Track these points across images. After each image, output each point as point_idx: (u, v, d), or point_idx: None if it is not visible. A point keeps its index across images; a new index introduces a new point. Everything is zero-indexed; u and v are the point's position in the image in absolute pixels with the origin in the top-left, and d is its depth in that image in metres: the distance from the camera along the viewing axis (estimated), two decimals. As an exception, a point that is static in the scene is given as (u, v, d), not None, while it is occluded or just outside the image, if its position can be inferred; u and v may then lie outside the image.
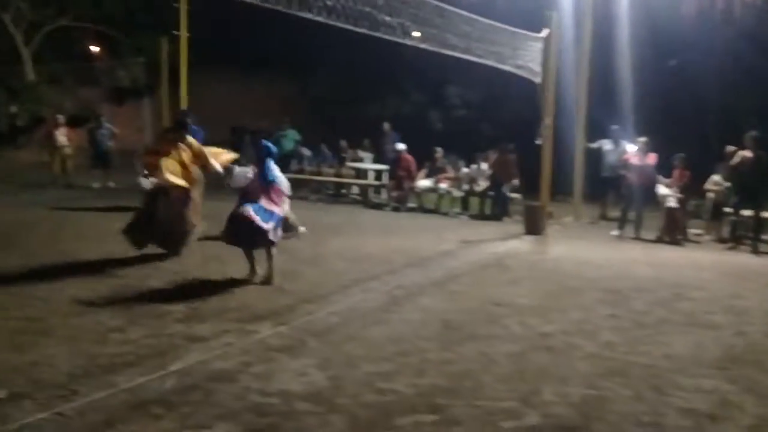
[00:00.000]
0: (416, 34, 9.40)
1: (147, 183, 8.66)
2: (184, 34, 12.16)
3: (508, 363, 4.82)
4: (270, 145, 7.17)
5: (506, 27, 10.58)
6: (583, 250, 9.67)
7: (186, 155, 7.80)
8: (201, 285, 6.71)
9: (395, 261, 8.35)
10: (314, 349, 4.95)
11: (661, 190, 11.08)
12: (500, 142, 13.75)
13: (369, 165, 15.76)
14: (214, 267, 7.47)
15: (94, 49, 27.30)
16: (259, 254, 6.99)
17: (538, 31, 11.19)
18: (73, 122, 17.06)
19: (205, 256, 7.87)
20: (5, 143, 22.71)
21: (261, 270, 6.98)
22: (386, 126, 16.87)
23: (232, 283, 6.83)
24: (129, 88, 25.46)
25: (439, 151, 14.25)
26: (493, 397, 4.19)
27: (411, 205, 13.90)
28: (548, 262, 8.71)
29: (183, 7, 12.06)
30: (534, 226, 10.79)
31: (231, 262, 7.52)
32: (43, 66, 24.34)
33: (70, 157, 15.59)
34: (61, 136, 15.51)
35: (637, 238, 10.95)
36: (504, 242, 10.09)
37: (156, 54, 18.16)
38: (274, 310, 5.92)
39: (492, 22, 10.28)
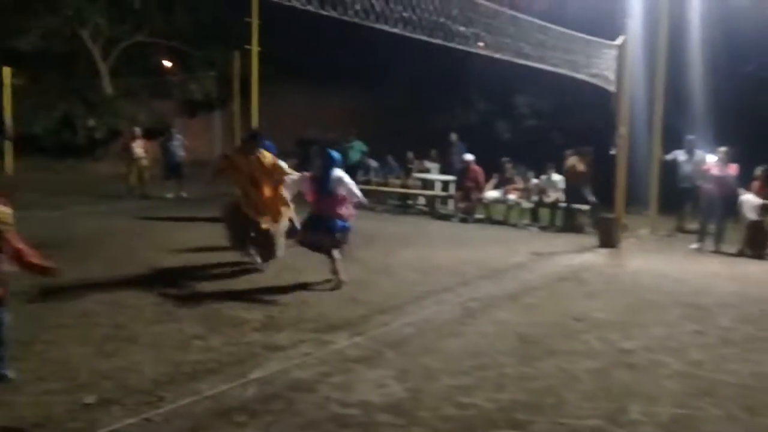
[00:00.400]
0: (480, 43, 9.29)
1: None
2: (255, 48, 12.38)
3: (591, 380, 4.69)
4: (334, 153, 7.21)
5: (580, 35, 10.36)
6: (662, 264, 9.35)
7: (257, 167, 7.89)
8: (276, 294, 6.80)
9: (467, 272, 8.27)
10: (391, 361, 4.94)
11: (752, 200, 10.53)
12: (577, 146, 13.36)
13: (436, 176, 15.71)
14: (288, 276, 7.56)
15: (168, 63, 28.17)
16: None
17: (608, 37, 10.94)
18: (148, 134, 17.56)
19: (279, 266, 7.96)
20: (84, 155, 23.59)
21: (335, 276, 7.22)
22: (453, 137, 16.82)
23: (306, 293, 6.91)
24: (201, 101, 26.16)
25: (509, 162, 14.04)
26: (577, 415, 4.08)
27: (478, 216, 13.75)
28: (626, 276, 8.46)
29: (254, 22, 12.28)
30: (608, 239, 10.48)
31: (304, 271, 7.62)
32: (120, 80, 25.22)
33: (147, 168, 16.05)
34: (138, 148, 15.99)
35: (717, 252, 10.53)
36: (578, 255, 9.84)
37: (227, 68, 18.67)
38: (350, 321, 5.94)
39: (565, 30, 10.08)
